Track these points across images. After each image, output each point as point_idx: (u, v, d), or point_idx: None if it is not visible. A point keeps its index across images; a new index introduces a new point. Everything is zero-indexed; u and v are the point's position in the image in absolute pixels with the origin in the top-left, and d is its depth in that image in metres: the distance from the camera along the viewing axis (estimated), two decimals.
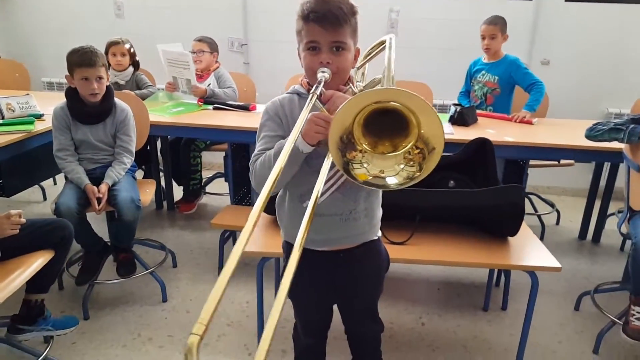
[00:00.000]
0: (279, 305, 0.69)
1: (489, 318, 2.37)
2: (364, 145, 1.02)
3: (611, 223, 3.20)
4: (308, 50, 1.19)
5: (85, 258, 2.34)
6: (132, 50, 3.19)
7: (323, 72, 1.16)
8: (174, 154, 3.42)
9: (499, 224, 1.88)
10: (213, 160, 4.26)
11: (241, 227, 2.75)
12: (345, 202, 1.28)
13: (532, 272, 1.81)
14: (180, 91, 3.24)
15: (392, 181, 1.02)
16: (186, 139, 3.31)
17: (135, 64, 3.24)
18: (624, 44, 3.65)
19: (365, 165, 1.02)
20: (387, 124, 1.00)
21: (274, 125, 1.27)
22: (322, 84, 1.13)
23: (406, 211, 1.88)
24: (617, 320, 2.11)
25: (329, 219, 1.28)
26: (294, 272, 1.40)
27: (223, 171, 3.78)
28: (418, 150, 0.99)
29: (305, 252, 1.28)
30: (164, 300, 2.44)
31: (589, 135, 2.13)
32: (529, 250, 1.89)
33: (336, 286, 1.41)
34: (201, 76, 3.27)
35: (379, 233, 1.42)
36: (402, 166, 1.00)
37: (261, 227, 2.01)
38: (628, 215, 2.11)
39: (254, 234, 1.96)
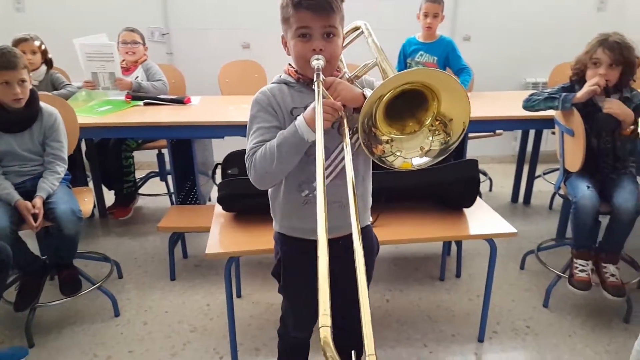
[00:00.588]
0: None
1: (446, 287, 2.48)
2: (389, 134, 1.07)
3: (538, 185, 3.47)
4: (298, 38, 1.17)
5: (23, 280, 2.11)
6: (42, 47, 2.88)
7: (318, 59, 1.14)
8: (101, 157, 3.17)
9: (458, 196, 1.96)
10: (142, 159, 4.01)
11: (191, 228, 2.65)
12: (344, 189, 1.23)
13: (490, 239, 1.92)
14: (101, 88, 2.99)
15: (435, 148, 1.09)
16: (115, 139, 3.08)
17: (48, 62, 2.94)
18: (537, 17, 3.91)
19: (398, 154, 1.08)
20: (402, 105, 1.04)
21: (268, 116, 1.23)
22: (321, 71, 1.12)
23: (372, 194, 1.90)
24: (562, 274, 2.29)
25: (328, 207, 1.21)
26: (291, 265, 1.36)
27: (157, 170, 3.57)
28: (438, 121, 1.06)
29: (302, 243, 1.30)
30: (117, 314, 2.28)
31: (527, 106, 2.26)
32: (485, 219, 1.99)
33: (332, 275, 1.39)
34: (128, 69, 3.05)
35: (371, 218, 1.42)
36: (430, 138, 1.07)
37: (224, 226, 1.93)
38: (564, 177, 2.29)
39: (216, 235, 1.89)
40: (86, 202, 2.25)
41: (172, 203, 3.44)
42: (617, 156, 2.11)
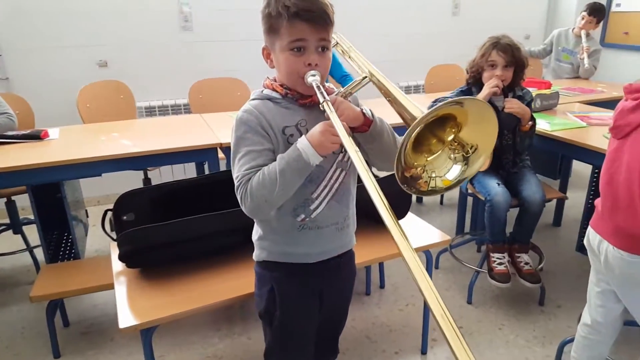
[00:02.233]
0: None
1: (374, 301, 2.41)
2: (421, 162, 1.01)
3: None
4: (291, 51, 1.07)
5: None
6: None
7: (314, 75, 1.06)
8: None
9: (394, 208, 1.87)
10: None
11: (76, 291, 2.15)
12: (340, 210, 1.21)
13: (427, 250, 1.87)
14: None
15: (459, 166, 1.04)
16: None
17: None
18: (406, 24, 4.09)
19: (434, 175, 1.03)
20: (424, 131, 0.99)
21: (258, 138, 1.10)
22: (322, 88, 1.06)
23: None
24: (480, 270, 2.36)
25: (326, 230, 1.21)
26: (286, 291, 1.25)
27: (8, 222, 2.91)
28: (456, 142, 1.03)
29: (295, 266, 1.24)
30: None
31: None
32: (417, 230, 1.94)
33: (322, 298, 1.31)
34: None
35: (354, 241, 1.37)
36: (453, 156, 1.04)
37: (130, 287, 1.58)
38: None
39: (124, 301, 1.53)
40: None
41: (34, 260, 2.82)
42: (517, 151, 2.24)
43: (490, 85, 2.11)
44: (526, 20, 4.55)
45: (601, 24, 3.62)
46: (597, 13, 3.40)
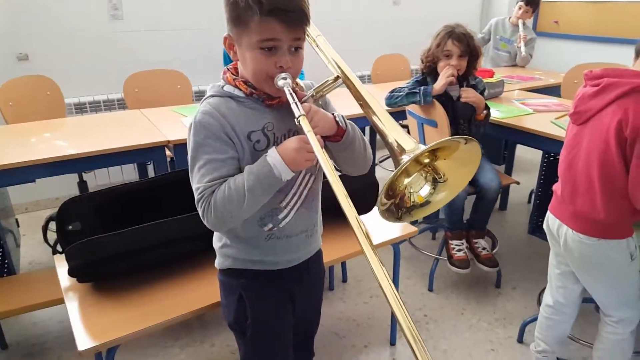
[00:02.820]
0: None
1: (339, 295, 2.38)
2: (403, 183, 1.01)
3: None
4: (261, 50, 0.97)
5: None
6: None
7: (285, 78, 0.97)
8: None
9: (358, 204, 1.84)
10: None
11: (14, 311, 1.95)
12: (309, 217, 1.17)
13: (395, 244, 1.86)
14: None
15: (428, 187, 1.05)
16: None
17: None
18: (349, 14, 4.03)
19: (411, 190, 1.04)
20: None
21: (221, 145, 1.01)
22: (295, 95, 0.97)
23: None
24: (440, 257, 2.40)
25: (295, 239, 1.16)
26: (255, 296, 1.21)
27: None
28: (430, 168, 1.03)
29: (263, 272, 1.18)
30: None
31: (390, 104, 2.26)
32: (383, 223, 1.91)
33: (293, 299, 1.26)
34: None
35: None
36: (423, 175, 1.04)
37: (83, 304, 1.44)
38: None
39: (78, 319, 1.39)
40: None
41: None
42: None
43: (446, 75, 2.11)
44: (463, 9, 4.66)
45: None
46: (533, 3, 3.55)
